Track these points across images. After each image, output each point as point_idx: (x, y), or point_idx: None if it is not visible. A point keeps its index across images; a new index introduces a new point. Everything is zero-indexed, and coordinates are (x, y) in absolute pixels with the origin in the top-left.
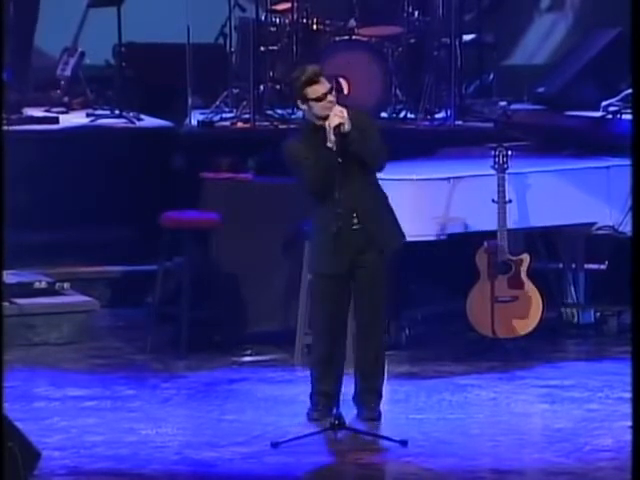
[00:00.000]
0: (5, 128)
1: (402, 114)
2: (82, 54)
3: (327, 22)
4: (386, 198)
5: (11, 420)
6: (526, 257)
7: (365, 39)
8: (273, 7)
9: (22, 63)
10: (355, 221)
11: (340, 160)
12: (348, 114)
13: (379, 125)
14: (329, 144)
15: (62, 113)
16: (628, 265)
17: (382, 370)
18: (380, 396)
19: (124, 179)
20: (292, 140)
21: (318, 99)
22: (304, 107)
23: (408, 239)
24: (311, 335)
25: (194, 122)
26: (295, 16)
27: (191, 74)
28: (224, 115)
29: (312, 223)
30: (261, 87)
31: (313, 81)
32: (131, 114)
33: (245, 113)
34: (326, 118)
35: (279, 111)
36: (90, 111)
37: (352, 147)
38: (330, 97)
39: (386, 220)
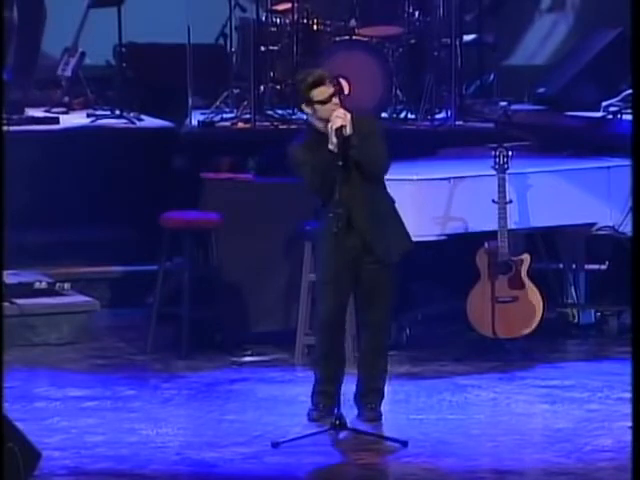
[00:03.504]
0: (6, 128)
1: (402, 114)
2: (83, 54)
3: (327, 22)
4: (392, 205)
5: (11, 420)
6: (526, 257)
7: (365, 39)
8: (273, 7)
9: (27, 63)
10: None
11: (341, 163)
12: (352, 119)
13: (384, 131)
14: (330, 146)
15: (63, 113)
16: (628, 265)
17: (385, 370)
18: (382, 396)
19: (124, 179)
20: (295, 144)
21: (323, 101)
22: (308, 110)
23: None
24: (312, 335)
25: (194, 122)
26: (295, 16)
27: (191, 74)
28: (224, 115)
29: (318, 226)
30: (262, 87)
31: (319, 83)
32: (131, 114)
33: (245, 113)
34: (329, 121)
35: (279, 111)
36: (91, 111)
37: (352, 152)
38: (335, 100)
39: (387, 229)
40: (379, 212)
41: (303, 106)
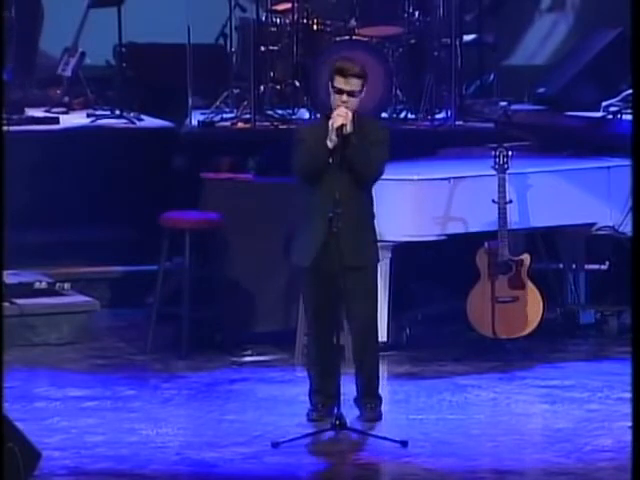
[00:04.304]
0: (6, 128)
1: (403, 114)
2: (83, 54)
3: (327, 22)
4: (372, 217)
5: (11, 420)
6: (526, 257)
7: (365, 39)
8: (273, 7)
9: (26, 63)
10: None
11: (334, 160)
12: (354, 118)
13: (387, 137)
14: (329, 142)
15: (63, 113)
16: (628, 265)
17: (377, 370)
18: (380, 398)
19: (124, 179)
20: (309, 122)
21: (335, 90)
22: (330, 88)
23: (408, 239)
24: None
25: (194, 122)
26: (295, 16)
27: (191, 74)
28: (224, 115)
29: (303, 214)
30: (261, 87)
31: (342, 74)
32: (131, 114)
33: (245, 113)
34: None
35: (279, 111)
36: (91, 111)
37: (349, 151)
38: (345, 97)
39: (363, 240)
40: (365, 215)
41: (329, 82)
